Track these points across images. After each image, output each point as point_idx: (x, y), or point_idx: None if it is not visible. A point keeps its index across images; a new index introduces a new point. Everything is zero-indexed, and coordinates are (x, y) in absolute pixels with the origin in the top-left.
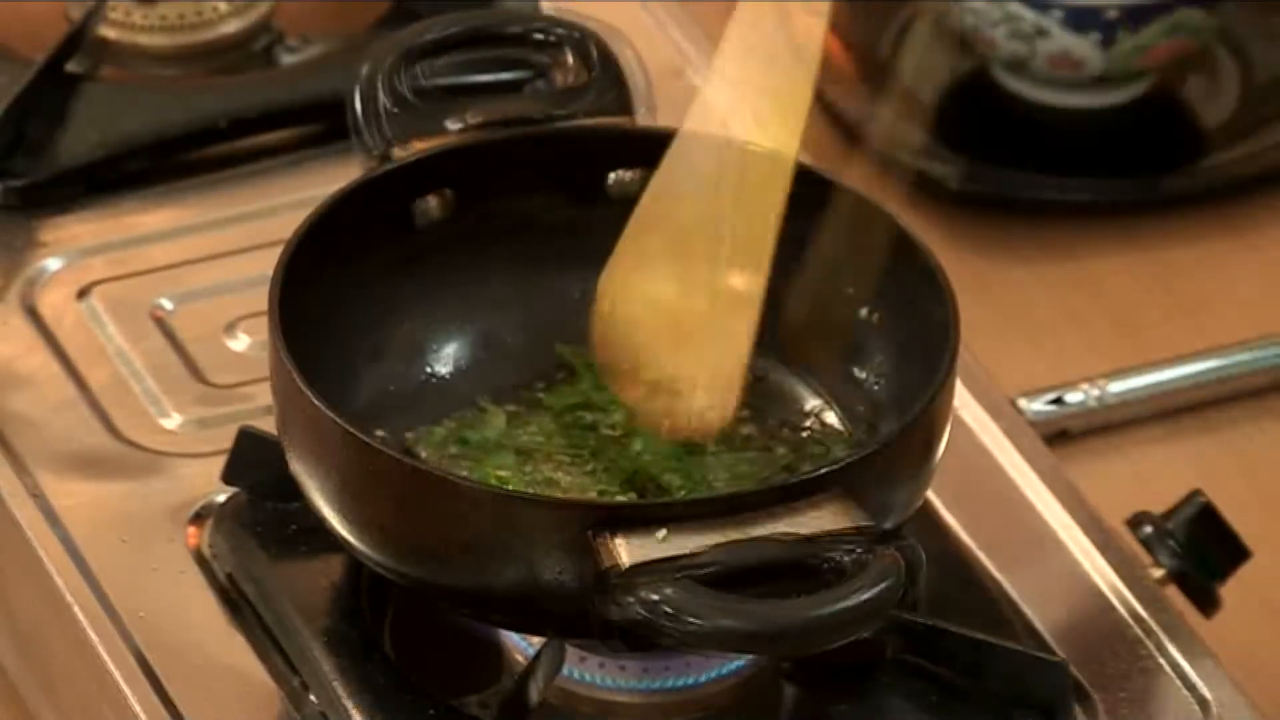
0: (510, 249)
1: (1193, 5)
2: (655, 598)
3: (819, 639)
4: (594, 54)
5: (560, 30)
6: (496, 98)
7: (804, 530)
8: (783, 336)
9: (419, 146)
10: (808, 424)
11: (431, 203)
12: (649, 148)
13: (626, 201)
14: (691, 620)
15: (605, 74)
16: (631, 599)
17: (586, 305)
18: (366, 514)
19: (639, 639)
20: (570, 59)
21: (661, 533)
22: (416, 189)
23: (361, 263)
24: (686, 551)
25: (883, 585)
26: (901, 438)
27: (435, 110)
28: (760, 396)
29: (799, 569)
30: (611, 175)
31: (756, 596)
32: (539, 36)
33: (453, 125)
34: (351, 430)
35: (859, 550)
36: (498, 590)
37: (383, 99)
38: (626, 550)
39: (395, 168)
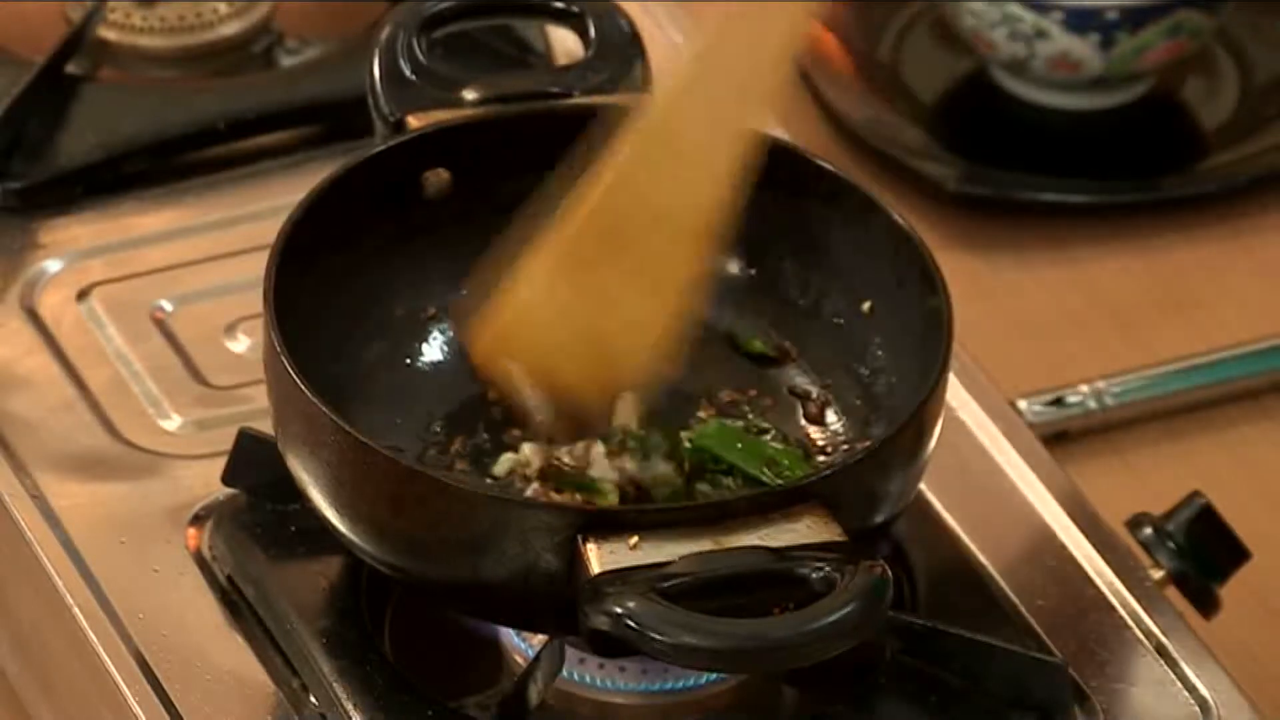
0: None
1: (1192, 7)
2: (619, 610)
3: (782, 660)
4: (615, 26)
5: (581, 1)
6: (513, 71)
7: (776, 543)
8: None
9: (435, 116)
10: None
11: (436, 178)
12: None
13: None
14: (654, 635)
15: (626, 48)
16: (598, 609)
17: None
18: (356, 506)
19: (616, 646)
20: (591, 31)
21: (633, 540)
22: (419, 165)
23: (357, 245)
24: (657, 561)
25: (848, 609)
26: (883, 449)
27: (450, 81)
28: (758, 391)
29: (769, 582)
30: None
31: (725, 610)
32: (559, 5)
33: (470, 95)
34: (345, 426)
35: (828, 569)
36: (487, 586)
37: (401, 64)
38: (597, 556)
39: (395, 145)
